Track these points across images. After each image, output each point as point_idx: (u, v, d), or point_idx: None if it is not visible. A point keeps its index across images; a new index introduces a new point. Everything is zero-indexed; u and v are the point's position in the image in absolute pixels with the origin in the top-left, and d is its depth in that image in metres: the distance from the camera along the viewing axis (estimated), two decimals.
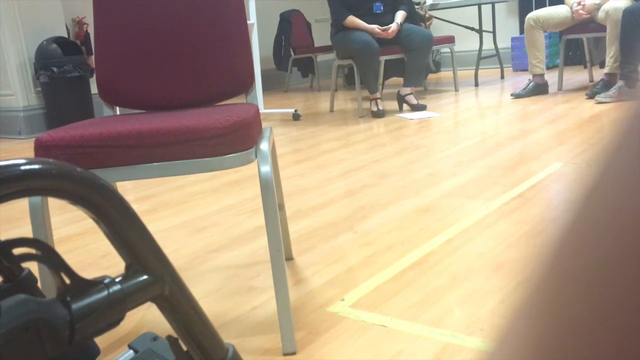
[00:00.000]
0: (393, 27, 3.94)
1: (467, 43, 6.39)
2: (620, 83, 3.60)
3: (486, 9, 5.49)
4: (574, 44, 5.77)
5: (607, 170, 0.11)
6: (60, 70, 4.22)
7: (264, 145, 1.16)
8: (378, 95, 4.09)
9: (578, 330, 0.11)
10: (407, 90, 4.12)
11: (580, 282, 0.11)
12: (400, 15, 4.03)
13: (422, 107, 4.08)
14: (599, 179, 0.12)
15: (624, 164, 0.11)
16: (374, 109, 4.06)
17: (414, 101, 4.11)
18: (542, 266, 0.13)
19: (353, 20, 3.95)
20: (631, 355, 0.09)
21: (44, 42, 4.29)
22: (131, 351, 0.66)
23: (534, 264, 0.13)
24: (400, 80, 4.35)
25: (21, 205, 2.32)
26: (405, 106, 4.22)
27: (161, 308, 0.57)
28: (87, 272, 1.63)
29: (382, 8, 4.01)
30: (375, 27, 3.92)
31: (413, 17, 4.30)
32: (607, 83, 3.75)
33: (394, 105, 4.55)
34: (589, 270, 0.11)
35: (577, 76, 5.12)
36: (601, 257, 0.11)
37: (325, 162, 2.78)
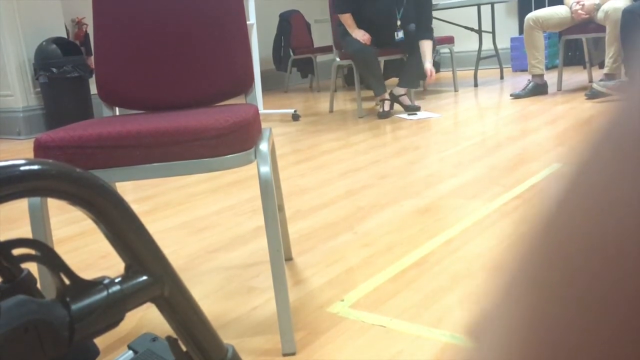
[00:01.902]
0: (429, 69, 3.85)
1: (466, 43, 6.39)
2: (624, 79, 3.60)
3: (485, 10, 5.49)
4: (573, 45, 5.77)
5: (585, 169, 0.12)
6: (60, 70, 4.21)
7: (264, 146, 1.16)
8: (386, 95, 4.05)
9: (551, 330, 0.11)
10: (401, 90, 4.05)
11: (554, 281, 0.11)
12: (427, 51, 3.88)
13: (415, 108, 4.00)
14: (577, 177, 0.12)
15: (602, 163, 0.11)
16: (381, 110, 4.02)
17: (407, 102, 4.06)
18: (517, 263, 0.13)
19: (347, 19, 3.91)
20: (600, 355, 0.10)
21: (44, 43, 4.29)
22: (131, 352, 0.66)
23: (510, 259, 0.13)
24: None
25: (21, 206, 2.32)
26: (397, 107, 4.16)
27: (161, 309, 0.57)
28: (87, 273, 1.63)
29: (403, 36, 3.92)
30: (361, 35, 3.84)
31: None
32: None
33: (394, 105, 4.55)
34: (563, 269, 0.11)
35: (576, 76, 5.12)
36: (577, 254, 0.11)
37: (325, 162, 2.78)
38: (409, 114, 3.99)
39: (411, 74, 4.01)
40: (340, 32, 4.05)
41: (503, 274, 0.13)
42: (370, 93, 4.78)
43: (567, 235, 0.11)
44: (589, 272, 0.10)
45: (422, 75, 3.96)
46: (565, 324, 0.10)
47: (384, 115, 3.99)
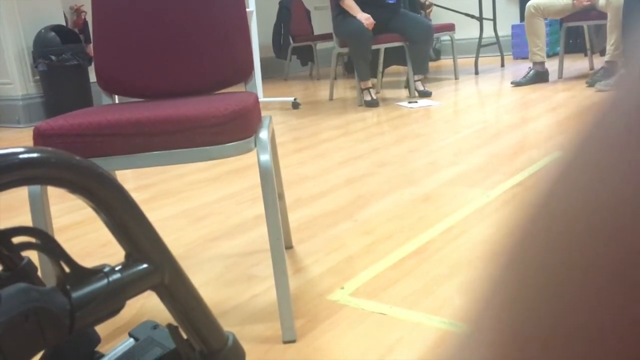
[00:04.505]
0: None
1: (467, 31, 6.36)
2: (623, 71, 3.58)
3: None
4: (574, 32, 5.74)
5: (576, 160, 0.11)
6: (59, 58, 4.20)
7: (264, 134, 1.16)
8: (369, 83, 4.07)
9: (538, 327, 0.11)
10: (415, 77, 4.18)
11: (543, 274, 0.11)
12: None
13: (427, 94, 4.13)
14: (567, 167, 0.12)
15: (593, 155, 0.11)
16: (367, 98, 4.03)
17: (420, 87, 4.18)
18: (506, 254, 0.13)
19: (349, 2, 3.91)
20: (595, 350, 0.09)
21: (42, 31, 4.27)
22: (132, 339, 0.67)
23: (498, 250, 0.13)
24: (400, 68, 4.33)
25: (21, 194, 2.32)
26: (405, 93, 4.21)
27: (161, 296, 0.57)
28: (87, 261, 1.63)
29: None
30: (364, 17, 3.87)
31: (413, 4, 4.27)
32: (608, 71, 3.73)
33: (394, 93, 4.54)
34: (551, 261, 0.11)
35: (577, 64, 5.10)
36: (565, 248, 0.11)
37: (325, 150, 2.78)
38: (409, 102, 3.98)
39: (418, 61, 4.07)
40: (332, 16, 4.05)
41: (496, 261, 0.13)
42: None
43: (553, 227, 0.11)
44: (572, 269, 0.10)
45: (428, 59, 4.06)
46: (549, 319, 0.10)
47: (372, 103, 3.98)
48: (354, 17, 3.88)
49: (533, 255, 0.11)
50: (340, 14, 3.99)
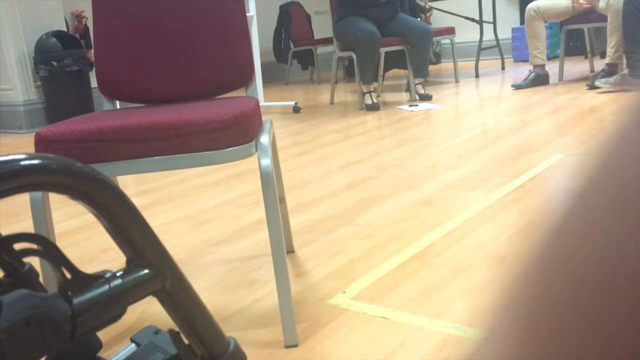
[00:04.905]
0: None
1: (467, 34, 6.37)
2: (624, 71, 3.58)
3: (486, 0, 5.47)
4: (574, 34, 5.75)
5: (608, 162, 0.11)
6: (60, 64, 4.21)
7: (264, 139, 1.16)
8: (371, 87, 4.08)
9: (564, 327, 0.10)
10: (417, 80, 4.20)
11: (570, 277, 0.11)
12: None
13: (428, 97, 4.14)
14: (598, 170, 0.12)
15: (625, 156, 0.11)
16: (368, 101, 4.04)
17: (421, 91, 4.19)
18: (533, 257, 0.12)
19: None
20: (619, 353, 0.09)
21: (43, 36, 4.28)
22: (133, 345, 0.67)
23: (525, 253, 0.13)
24: (401, 71, 4.34)
25: (22, 200, 2.32)
26: (406, 96, 4.22)
27: (162, 302, 0.57)
28: (88, 267, 1.64)
29: None
30: None
31: (413, 9, 4.28)
32: (608, 73, 3.73)
33: (394, 97, 4.54)
34: (580, 264, 0.11)
35: (577, 67, 5.10)
36: (596, 250, 0.10)
37: (326, 154, 2.78)
38: (410, 105, 3.98)
39: (419, 64, 4.09)
40: (332, 22, 4.06)
41: (517, 267, 0.13)
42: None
43: (581, 233, 0.11)
44: (600, 274, 0.10)
45: (428, 62, 4.07)
46: (570, 324, 0.10)
47: (373, 107, 3.99)
48: (360, 21, 3.89)
49: (558, 264, 0.11)
50: (341, 19, 4.00)
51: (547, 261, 0.12)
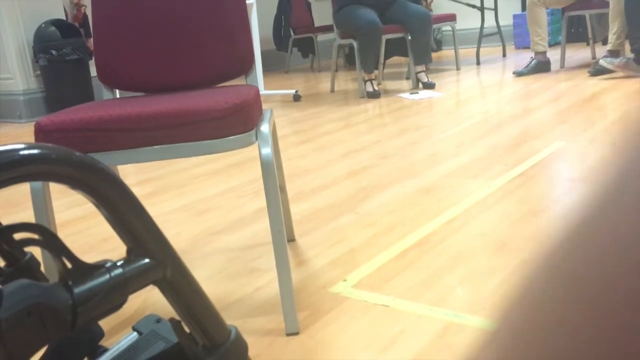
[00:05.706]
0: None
1: (468, 21, 6.33)
2: (630, 56, 3.56)
3: None
4: (576, 21, 5.71)
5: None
6: (59, 53, 4.19)
7: (265, 127, 1.16)
8: (373, 75, 4.06)
9: (574, 328, 0.10)
10: (419, 68, 4.15)
11: (591, 271, 0.10)
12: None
13: (432, 85, 4.10)
14: (633, 161, 0.11)
15: None
16: (370, 89, 4.03)
17: (424, 79, 4.14)
18: (550, 252, 0.12)
19: None
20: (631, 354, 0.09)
21: (42, 25, 4.26)
22: (135, 333, 0.67)
23: (542, 246, 0.13)
24: (402, 59, 4.32)
25: (23, 190, 2.33)
26: (407, 84, 4.19)
27: (163, 291, 0.57)
28: (89, 256, 1.64)
29: None
30: None
31: None
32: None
33: (395, 85, 4.52)
34: (603, 256, 0.10)
35: (579, 53, 5.08)
36: (622, 243, 0.10)
37: (327, 143, 2.77)
38: (410, 93, 3.97)
39: (420, 51, 4.07)
40: (333, 10, 4.04)
41: (542, 263, 0.12)
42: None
43: (605, 228, 0.10)
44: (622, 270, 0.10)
45: (430, 48, 4.05)
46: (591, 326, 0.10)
47: (374, 94, 3.98)
48: (362, 9, 3.87)
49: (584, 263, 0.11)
50: (343, 7, 3.97)
51: (565, 257, 0.11)
